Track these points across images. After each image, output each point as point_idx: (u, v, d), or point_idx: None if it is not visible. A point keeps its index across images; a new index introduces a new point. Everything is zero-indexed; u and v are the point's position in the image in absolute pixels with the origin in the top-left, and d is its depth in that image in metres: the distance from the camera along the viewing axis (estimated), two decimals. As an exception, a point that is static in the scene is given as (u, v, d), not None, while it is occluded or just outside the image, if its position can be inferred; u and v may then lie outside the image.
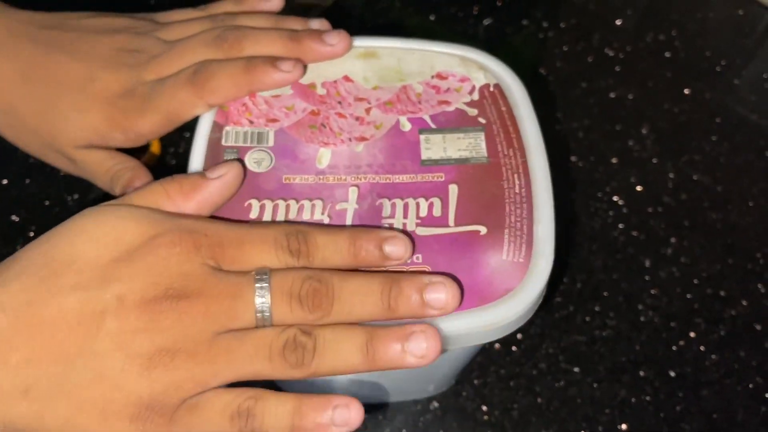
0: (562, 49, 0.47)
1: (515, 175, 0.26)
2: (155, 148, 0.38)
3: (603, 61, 0.47)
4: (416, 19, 0.48)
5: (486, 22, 0.49)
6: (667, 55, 0.48)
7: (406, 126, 0.27)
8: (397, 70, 0.29)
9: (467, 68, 0.29)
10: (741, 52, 0.48)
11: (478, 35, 0.48)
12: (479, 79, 0.29)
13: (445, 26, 0.48)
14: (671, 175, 0.42)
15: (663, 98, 0.45)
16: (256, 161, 0.26)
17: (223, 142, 0.26)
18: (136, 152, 0.31)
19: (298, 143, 0.27)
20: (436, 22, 0.48)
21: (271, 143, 0.26)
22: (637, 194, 0.41)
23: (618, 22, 0.49)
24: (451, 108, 0.28)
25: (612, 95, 0.45)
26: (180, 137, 0.42)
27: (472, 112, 0.28)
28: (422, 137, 0.27)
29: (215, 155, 0.26)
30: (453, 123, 0.27)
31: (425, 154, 0.27)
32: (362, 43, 0.29)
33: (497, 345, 0.36)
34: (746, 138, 0.44)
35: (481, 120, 0.28)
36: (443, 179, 0.26)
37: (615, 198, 0.41)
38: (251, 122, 0.27)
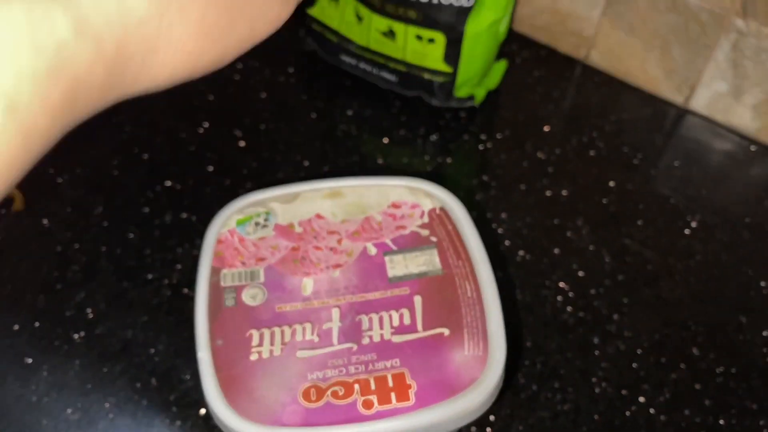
0: (500, 157, 0.54)
1: (466, 282, 0.32)
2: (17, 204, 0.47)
3: (537, 164, 0.54)
4: (371, 143, 0.55)
5: (432, 138, 0.56)
6: (592, 153, 0.55)
7: (372, 250, 0.33)
8: (360, 205, 0.35)
9: (416, 196, 0.35)
10: (653, 146, 0.56)
11: (426, 151, 0.55)
12: (427, 205, 0.35)
13: (398, 147, 0.55)
14: (607, 260, 0.48)
15: (592, 192, 0.52)
16: (252, 296, 0.31)
17: (222, 284, 0.31)
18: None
19: (285, 276, 0.32)
20: (390, 144, 0.55)
21: (262, 279, 0.32)
22: (579, 279, 0.47)
23: (546, 129, 0.56)
24: (407, 231, 0.34)
25: (548, 193, 0.52)
26: (172, 269, 0.47)
27: (425, 233, 0.34)
28: (387, 258, 0.33)
29: (216, 296, 0.31)
30: (410, 244, 0.33)
31: (391, 273, 0.32)
32: (328, 185, 0.35)
33: (473, 428, 0.41)
34: (668, 220, 0.51)
35: (433, 239, 0.33)
36: (408, 292, 0.31)
37: (561, 284, 0.47)
38: (243, 263, 0.32)
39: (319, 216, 0.34)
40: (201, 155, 0.53)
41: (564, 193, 0.52)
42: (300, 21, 0.59)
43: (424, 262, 0.32)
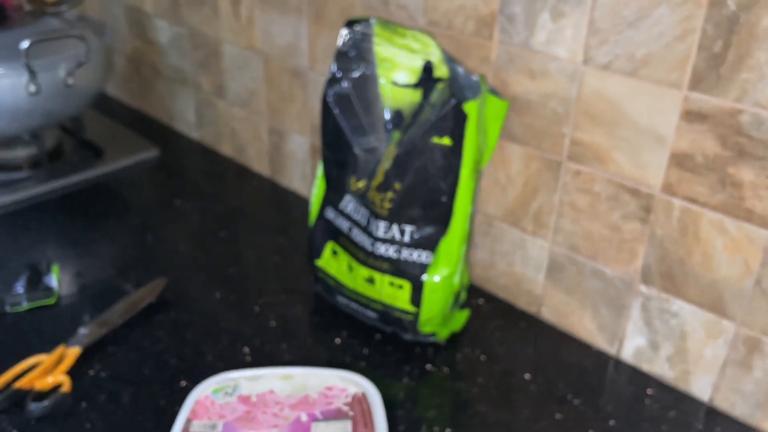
0: (454, 385, 0.65)
1: (369, 448, 0.42)
2: (65, 387, 0.55)
3: (485, 393, 0.65)
4: (352, 366, 0.67)
5: (401, 366, 0.68)
6: (532, 387, 0.65)
7: (304, 418, 0.45)
8: (303, 385, 0.47)
9: (346, 383, 0.47)
10: (588, 388, 0.66)
11: (395, 376, 0.66)
12: (352, 389, 0.47)
13: (373, 371, 0.67)
14: (530, 474, 0.56)
15: (527, 419, 0.62)
16: (209, 441, 0.43)
17: (190, 430, 0.43)
18: None
19: (236, 429, 0.44)
20: (366, 367, 0.67)
21: (220, 430, 0.43)
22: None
23: (497, 367, 0.68)
24: (333, 407, 0.45)
25: (490, 418, 0.62)
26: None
27: (345, 408, 0.45)
28: (313, 424, 0.44)
29: (185, 437, 0.43)
30: (333, 415, 0.45)
31: (315, 436, 0.43)
32: (284, 371, 0.48)
33: None
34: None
35: (351, 413, 0.45)
36: (324, 450, 0.42)
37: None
38: (209, 418, 0.44)
39: (271, 391, 0.46)
40: (215, 365, 0.67)
41: (504, 418, 0.62)
42: (311, 270, 0.76)
43: (341, 428, 0.43)
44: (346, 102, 0.68)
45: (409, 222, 0.65)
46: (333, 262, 0.73)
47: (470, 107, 0.60)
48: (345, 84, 0.68)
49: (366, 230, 0.67)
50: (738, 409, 0.62)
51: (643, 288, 0.65)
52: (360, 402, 0.45)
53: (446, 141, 0.61)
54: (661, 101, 0.57)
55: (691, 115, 0.56)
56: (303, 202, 0.98)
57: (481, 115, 0.62)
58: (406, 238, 0.65)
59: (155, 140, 1.14)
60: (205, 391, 0.46)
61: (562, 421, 0.61)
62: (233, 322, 0.73)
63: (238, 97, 1.02)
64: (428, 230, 0.65)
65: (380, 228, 0.66)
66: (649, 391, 0.65)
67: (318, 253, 0.74)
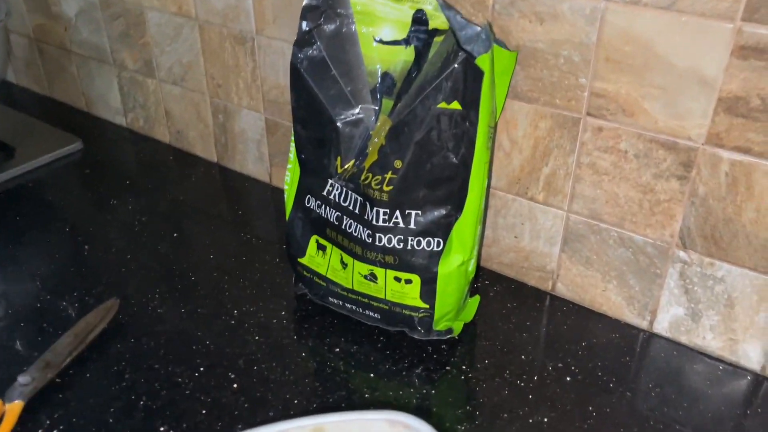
0: (482, 387, 0.57)
1: None
2: None
3: (517, 391, 0.56)
4: (358, 378, 0.58)
5: (416, 370, 0.58)
6: (568, 379, 0.57)
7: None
8: (341, 438, 0.37)
9: (396, 429, 0.37)
10: (626, 369, 0.58)
11: (411, 384, 0.57)
12: (405, 435, 0.37)
13: (384, 380, 0.57)
14: (594, 486, 0.49)
15: (573, 417, 0.54)
16: None
17: None
18: None
19: None
20: (376, 377, 0.58)
21: None
22: (569, 508, 0.47)
23: (523, 357, 0.60)
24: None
25: (530, 420, 0.54)
26: None
27: (402, 463, 0.35)
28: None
29: None
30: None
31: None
32: (312, 422, 0.38)
33: None
34: (649, 441, 0.52)
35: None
36: None
37: None
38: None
39: (302, 448, 0.36)
40: (195, 399, 0.56)
41: (546, 419, 0.54)
42: (292, 269, 0.65)
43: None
44: (320, 67, 0.57)
45: (414, 206, 0.55)
46: (320, 259, 0.62)
47: (483, 62, 0.50)
48: (318, 45, 0.56)
49: (361, 219, 0.57)
50: (794, 375, 0.56)
51: (681, 253, 0.57)
52: (418, 451, 0.35)
53: (455, 106, 0.51)
54: (706, 37, 0.49)
55: (746, 51, 0.48)
56: (261, 189, 0.85)
57: (493, 72, 0.52)
58: (412, 225, 0.55)
59: (75, 131, 0.98)
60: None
61: (613, 414, 0.54)
62: (208, 342, 0.61)
63: (170, 73, 0.88)
64: (437, 213, 0.55)
65: (379, 216, 0.55)
66: (693, 365, 0.58)
67: (301, 250, 0.63)
